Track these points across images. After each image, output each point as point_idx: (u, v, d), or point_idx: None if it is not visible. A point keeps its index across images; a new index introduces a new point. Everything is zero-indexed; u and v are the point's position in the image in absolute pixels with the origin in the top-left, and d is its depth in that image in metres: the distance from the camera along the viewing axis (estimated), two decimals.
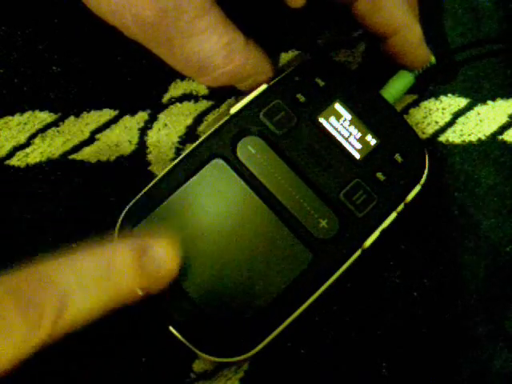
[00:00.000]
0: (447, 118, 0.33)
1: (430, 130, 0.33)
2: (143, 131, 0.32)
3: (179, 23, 0.25)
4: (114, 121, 0.32)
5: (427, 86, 0.33)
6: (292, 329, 0.26)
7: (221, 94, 0.33)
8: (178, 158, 0.28)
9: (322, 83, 0.29)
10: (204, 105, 0.33)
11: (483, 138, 0.33)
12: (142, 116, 0.32)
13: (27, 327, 0.20)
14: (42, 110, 0.32)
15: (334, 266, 0.27)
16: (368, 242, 0.27)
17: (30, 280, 0.20)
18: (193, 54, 0.26)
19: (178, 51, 0.26)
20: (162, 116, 0.33)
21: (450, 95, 0.33)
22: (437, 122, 0.33)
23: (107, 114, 0.32)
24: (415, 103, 0.33)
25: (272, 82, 0.29)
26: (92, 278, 0.21)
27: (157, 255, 0.23)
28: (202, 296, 0.26)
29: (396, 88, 0.31)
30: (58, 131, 0.32)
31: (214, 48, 0.26)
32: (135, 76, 0.33)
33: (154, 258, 0.23)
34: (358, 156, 0.28)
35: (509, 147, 0.33)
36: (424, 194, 0.29)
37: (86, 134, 0.32)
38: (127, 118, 0.32)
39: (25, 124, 0.32)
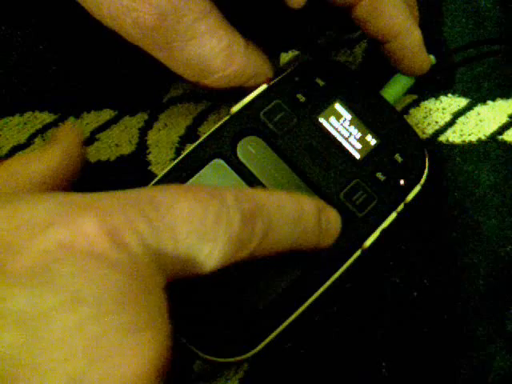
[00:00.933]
0: (447, 118, 0.33)
1: (430, 130, 0.33)
2: (143, 131, 0.32)
3: (179, 27, 0.25)
4: (114, 121, 0.32)
5: (427, 86, 0.33)
6: (292, 329, 0.26)
7: (221, 95, 0.33)
8: (178, 158, 0.28)
9: (322, 83, 0.29)
10: (204, 105, 0.33)
11: (483, 138, 0.33)
12: (142, 116, 0.32)
13: (243, 239, 0.21)
14: (41, 110, 0.32)
15: (334, 265, 0.27)
16: (368, 242, 0.27)
17: (253, 201, 0.22)
18: (192, 58, 0.26)
19: (177, 55, 0.26)
20: (162, 116, 0.33)
21: (450, 95, 0.33)
22: (437, 122, 0.33)
23: (107, 114, 0.32)
24: (415, 103, 0.33)
25: (272, 82, 0.29)
26: (289, 217, 0.23)
27: (330, 215, 0.25)
28: (202, 296, 0.26)
29: (396, 88, 0.31)
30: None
31: (213, 51, 0.26)
32: (135, 76, 0.33)
33: (328, 217, 0.25)
34: (358, 156, 0.28)
35: (509, 147, 0.33)
36: (424, 193, 0.29)
37: (86, 134, 0.32)
38: (127, 118, 0.32)
39: (25, 124, 0.32)
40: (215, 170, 0.28)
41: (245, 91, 0.29)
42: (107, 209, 0.19)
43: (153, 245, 0.19)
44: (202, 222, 0.20)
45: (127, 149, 0.32)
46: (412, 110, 0.33)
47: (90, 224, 0.18)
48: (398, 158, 0.29)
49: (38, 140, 0.32)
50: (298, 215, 0.23)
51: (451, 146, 0.32)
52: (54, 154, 0.23)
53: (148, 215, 0.19)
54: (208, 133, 0.28)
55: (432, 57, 0.32)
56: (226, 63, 0.27)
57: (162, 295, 0.19)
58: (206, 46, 0.26)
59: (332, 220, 0.25)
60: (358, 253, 0.27)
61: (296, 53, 0.34)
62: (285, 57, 0.34)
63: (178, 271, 0.20)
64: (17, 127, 0.32)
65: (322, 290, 0.26)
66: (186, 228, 0.20)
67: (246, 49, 0.27)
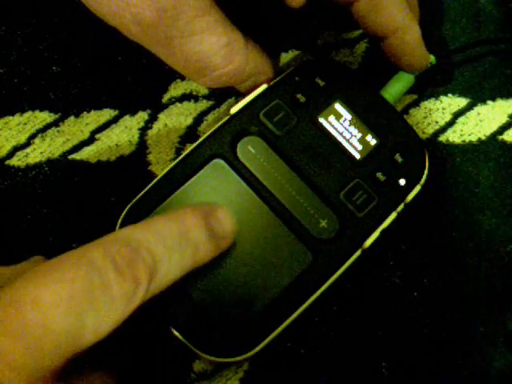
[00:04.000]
0: (447, 118, 0.33)
1: (430, 130, 0.33)
2: (143, 131, 0.32)
3: (178, 23, 0.25)
4: (114, 121, 0.32)
5: (427, 86, 0.33)
6: (292, 329, 0.26)
7: (221, 94, 0.33)
8: (178, 158, 0.28)
9: (322, 83, 0.29)
10: (204, 105, 0.33)
11: (483, 137, 0.33)
12: (142, 116, 0.32)
13: (126, 291, 0.20)
14: (42, 110, 0.32)
15: (334, 266, 0.27)
16: (368, 242, 0.27)
17: (126, 247, 0.21)
18: (192, 54, 0.26)
19: (177, 51, 0.26)
20: (162, 116, 0.33)
21: (450, 95, 0.33)
22: (437, 122, 0.33)
23: (107, 113, 0.32)
24: (415, 103, 0.33)
25: (272, 82, 0.29)
26: (174, 243, 0.22)
27: (220, 215, 0.24)
28: (202, 296, 0.26)
29: (396, 88, 0.31)
30: (57, 131, 0.32)
31: (213, 48, 0.26)
32: (135, 76, 0.33)
33: (219, 219, 0.24)
34: (358, 156, 0.28)
35: (509, 147, 0.33)
36: (424, 193, 0.29)
37: (86, 134, 0.32)
38: (127, 117, 0.32)
39: (25, 124, 0.32)
40: (215, 170, 0.28)
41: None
42: None
43: (25, 359, 0.19)
44: (73, 300, 0.19)
45: (127, 149, 0.32)
46: (412, 110, 0.33)
47: None
48: (398, 158, 0.29)
49: (37, 140, 0.32)
50: (183, 237, 0.23)
51: (451, 146, 0.32)
52: None
53: (13, 329, 0.19)
54: (208, 133, 0.28)
55: (432, 57, 0.32)
56: (226, 61, 0.27)
57: None
58: (205, 43, 0.26)
59: (224, 220, 0.24)
60: (358, 253, 0.27)
61: (296, 53, 0.34)
62: (285, 57, 0.34)
63: (70, 354, 0.20)
64: (17, 127, 0.32)
65: (321, 290, 0.26)
66: (56, 314, 0.19)
67: (246, 47, 0.27)
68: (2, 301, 0.19)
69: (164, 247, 0.22)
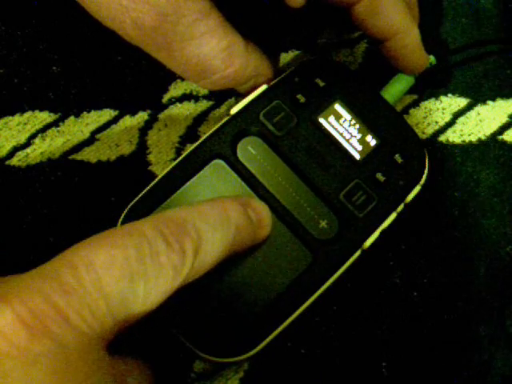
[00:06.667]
0: (447, 117, 0.33)
1: (430, 130, 0.33)
2: (143, 131, 0.32)
3: (178, 27, 0.25)
4: (113, 121, 0.32)
5: (427, 87, 0.33)
6: (292, 329, 0.26)
7: (221, 94, 0.33)
8: (179, 159, 0.28)
9: (322, 83, 0.29)
10: (204, 105, 0.33)
11: (483, 137, 0.33)
12: (142, 116, 0.32)
13: (175, 264, 0.21)
14: (41, 110, 0.32)
15: (333, 266, 0.27)
16: (368, 243, 0.27)
17: (173, 222, 0.22)
18: (192, 58, 0.26)
19: (177, 55, 0.26)
20: (161, 116, 0.33)
21: (450, 95, 0.33)
22: (437, 122, 0.33)
23: (107, 114, 0.32)
24: (415, 103, 0.33)
25: (272, 83, 0.29)
26: (216, 222, 0.23)
27: (256, 206, 0.25)
28: (202, 296, 0.26)
29: (396, 88, 0.31)
30: (58, 131, 0.32)
31: (213, 51, 0.26)
32: (135, 76, 0.33)
33: (255, 209, 0.25)
34: (357, 156, 0.28)
35: (509, 147, 0.33)
36: (424, 194, 0.29)
37: (86, 134, 0.32)
38: (127, 118, 0.32)
39: (25, 124, 0.32)
40: (215, 171, 0.28)
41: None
42: (24, 294, 0.18)
43: (81, 315, 0.19)
44: (126, 265, 0.20)
45: (127, 149, 0.32)
46: (412, 110, 0.33)
47: (4, 317, 0.18)
48: (398, 158, 0.29)
49: (37, 140, 0.32)
50: (224, 217, 0.23)
51: (451, 146, 0.32)
52: None
53: (68, 286, 0.19)
54: (208, 133, 0.28)
55: (432, 57, 0.32)
56: (226, 63, 0.27)
57: (104, 363, 0.20)
58: (205, 47, 0.26)
59: (260, 210, 0.25)
60: (358, 253, 0.27)
61: (296, 53, 0.34)
62: (285, 57, 0.34)
63: (122, 322, 0.20)
64: (17, 127, 0.32)
65: (321, 290, 0.26)
66: (111, 277, 0.20)
67: (246, 49, 0.27)
68: (57, 263, 0.20)
69: (208, 225, 0.23)
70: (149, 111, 0.33)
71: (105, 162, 0.31)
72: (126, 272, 0.20)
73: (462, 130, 0.33)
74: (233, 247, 0.24)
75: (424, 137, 0.32)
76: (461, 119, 0.33)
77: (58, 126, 0.32)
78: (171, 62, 0.27)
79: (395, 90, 0.31)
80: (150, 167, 0.31)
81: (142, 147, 0.32)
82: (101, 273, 0.19)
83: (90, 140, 0.32)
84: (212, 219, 0.23)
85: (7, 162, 0.31)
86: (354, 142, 0.29)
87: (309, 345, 0.29)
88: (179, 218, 0.22)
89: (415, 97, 0.33)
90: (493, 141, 0.33)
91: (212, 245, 0.23)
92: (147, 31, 0.25)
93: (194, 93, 0.33)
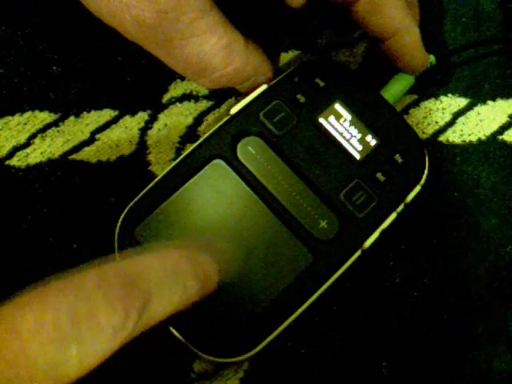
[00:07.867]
0: (447, 117, 0.33)
1: (430, 130, 0.33)
2: (143, 131, 0.32)
3: (178, 25, 0.25)
4: (114, 121, 0.32)
5: (427, 86, 0.33)
6: (292, 329, 0.26)
7: (221, 94, 0.33)
8: (179, 159, 0.28)
9: (322, 83, 0.29)
10: (204, 105, 0.33)
11: (483, 137, 0.33)
12: (142, 116, 0.32)
13: (115, 325, 0.20)
14: (41, 110, 0.32)
15: (333, 266, 0.27)
16: (368, 243, 0.27)
17: (119, 277, 0.20)
18: (192, 56, 0.26)
19: (177, 53, 0.26)
20: (161, 116, 0.33)
21: (450, 95, 0.33)
22: (437, 122, 0.33)
23: (107, 114, 0.32)
24: (415, 103, 0.33)
25: (272, 83, 0.29)
26: (167, 280, 0.22)
27: (204, 262, 0.24)
28: None
29: (396, 88, 0.31)
30: (58, 131, 0.32)
31: (213, 49, 0.26)
32: (135, 76, 0.33)
33: (203, 265, 0.24)
34: (357, 156, 0.28)
35: (509, 147, 0.33)
36: (424, 194, 0.29)
37: (86, 134, 0.32)
38: (127, 118, 0.32)
39: (25, 124, 0.32)
40: (215, 171, 0.28)
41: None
42: None
43: None
44: (56, 329, 0.18)
45: (127, 149, 0.32)
46: (412, 110, 0.33)
47: None
48: (398, 158, 0.29)
49: (37, 140, 0.32)
50: (175, 271, 0.22)
51: (451, 146, 0.32)
52: None
53: None
54: (208, 133, 0.28)
55: (432, 57, 0.32)
56: (226, 62, 0.27)
57: None
58: (205, 45, 0.26)
59: (207, 267, 0.24)
60: (358, 253, 0.27)
61: (296, 53, 0.34)
62: (285, 57, 0.34)
63: None
64: (17, 127, 0.32)
65: (321, 290, 0.26)
66: (38, 342, 0.18)
67: (246, 48, 0.27)
68: None
69: (158, 279, 0.21)
70: (149, 111, 0.33)
71: (105, 162, 0.31)
72: (55, 337, 0.18)
73: (462, 130, 0.33)
74: (181, 304, 0.22)
75: (424, 137, 0.32)
76: (461, 119, 0.33)
77: (57, 126, 0.32)
78: (171, 59, 0.27)
79: (395, 90, 0.31)
80: (149, 167, 0.31)
81: (142, 147, 0.32)
82: (25, 339, 0.18)
83: (90, 140, 0.32)
84: (163, 273, 0.22)
85: (7, 162, 0.31)
86: (354, 141, 0.29)
87: (309, 345, 0.29)
88: (126, 272, 0.21)
89: (415, 97, 0.33)
90: (493, 141, 0.33)
91: (160, 301, 0.21)
92: (147, 28, 0.25)
93: (194, 93, 0.33)
